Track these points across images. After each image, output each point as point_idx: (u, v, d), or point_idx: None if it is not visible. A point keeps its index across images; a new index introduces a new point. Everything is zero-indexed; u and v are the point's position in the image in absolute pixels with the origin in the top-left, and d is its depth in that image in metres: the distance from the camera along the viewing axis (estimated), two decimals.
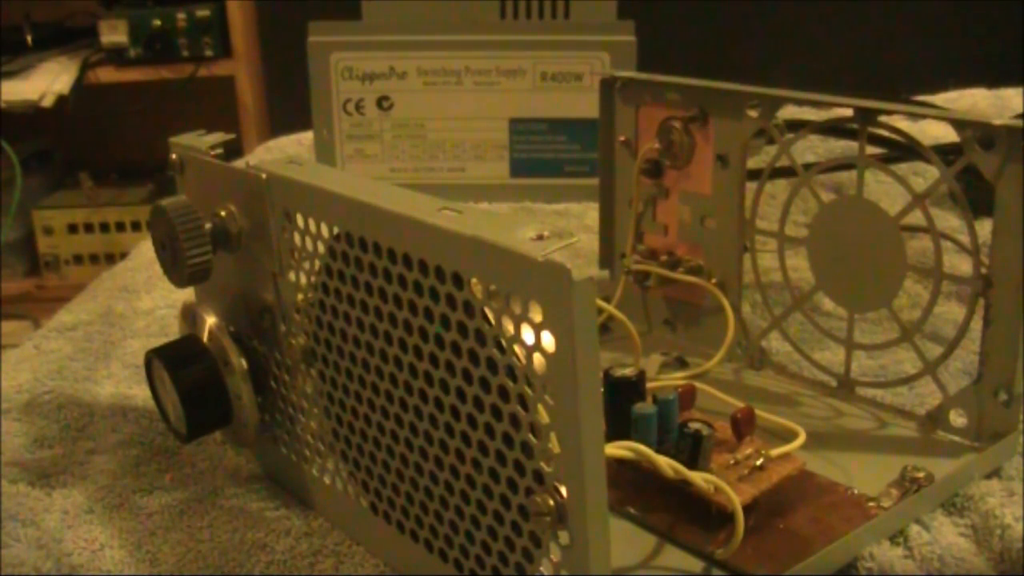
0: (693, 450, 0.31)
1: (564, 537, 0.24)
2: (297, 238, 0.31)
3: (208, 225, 0.33)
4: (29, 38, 1.42)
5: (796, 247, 0.39)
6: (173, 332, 0.42)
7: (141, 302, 0.53)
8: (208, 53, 1.37)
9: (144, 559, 0.33)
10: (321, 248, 0.30)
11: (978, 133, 0.32)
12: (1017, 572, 0.30)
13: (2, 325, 1.35)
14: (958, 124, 0.33)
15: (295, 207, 0.31)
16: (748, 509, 0.30)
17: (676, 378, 0.39)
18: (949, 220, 0.51)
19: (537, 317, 0.23)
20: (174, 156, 0.35)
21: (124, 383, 0.44)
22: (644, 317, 0.45)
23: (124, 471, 0.37)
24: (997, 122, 0.32)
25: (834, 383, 0.39)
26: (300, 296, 0.32)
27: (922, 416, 0.36)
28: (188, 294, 0.38)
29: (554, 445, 0.24)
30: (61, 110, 1.32)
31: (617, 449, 0.29)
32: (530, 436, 0.24)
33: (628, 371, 0.34)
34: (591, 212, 0.59)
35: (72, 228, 1.43)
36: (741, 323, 0.41)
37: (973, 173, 0.33)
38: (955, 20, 1.48)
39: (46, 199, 1.46)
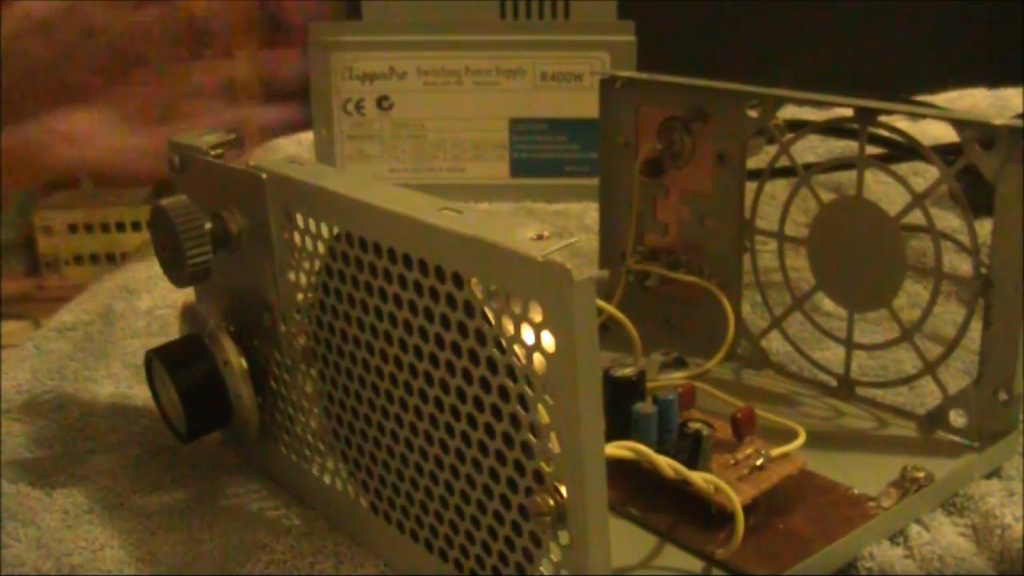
0: (693, 450, 0.31)
1: (564, 537, 0.24)
2: (297, 238, 0.31)
3: (208, 225, 0.33)
4: None
5: (796, 247, 0.39)
6: (173, 332, 0.42)
7: (141, 302, 0.52)
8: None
9: (144, 559, 0.33)
10: (321, 248, 0.30)
11: (978, 133, 0.32)
12: (1017, 572, 0.30)
13: (2, 325, 1.35)
14: (958, 124, 0.33)
15: (295, 207, 0.31)
16: (748, 509, 0.30)
17: (676, 378, 0.39)
18: (949, 220, 0.51)
19: (537, 317, 0.23)
20: (174, 156, 0.35)
21: (124, 383, 0.44)
22: (644, 317, 0.45)
23: (124, 471, 0.37)
24: (997, 122, 0.32)
25: (834, 383, 0.39)
26: (300, 296, 0.32)
27: (922, 416, 0.36)
28: (188, 294, 0.38)
29: (554, 445, 0.24)
30: None
31: (617, 449, 0.29)
32: (530, 436, 0.24)
33: (628, 371, 0.34)
34: (591, 212, 0.59)
35: (72, 228, 1.43)
36: (741, 323, 0.41)
37: (973, 173, 0.33)
38: (955, 20, 1.48)
39: (46, 199, 1.46)
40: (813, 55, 1.48)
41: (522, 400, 0.24)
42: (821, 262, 0.38)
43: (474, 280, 0.25)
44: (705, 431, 0.31)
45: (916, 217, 0.35)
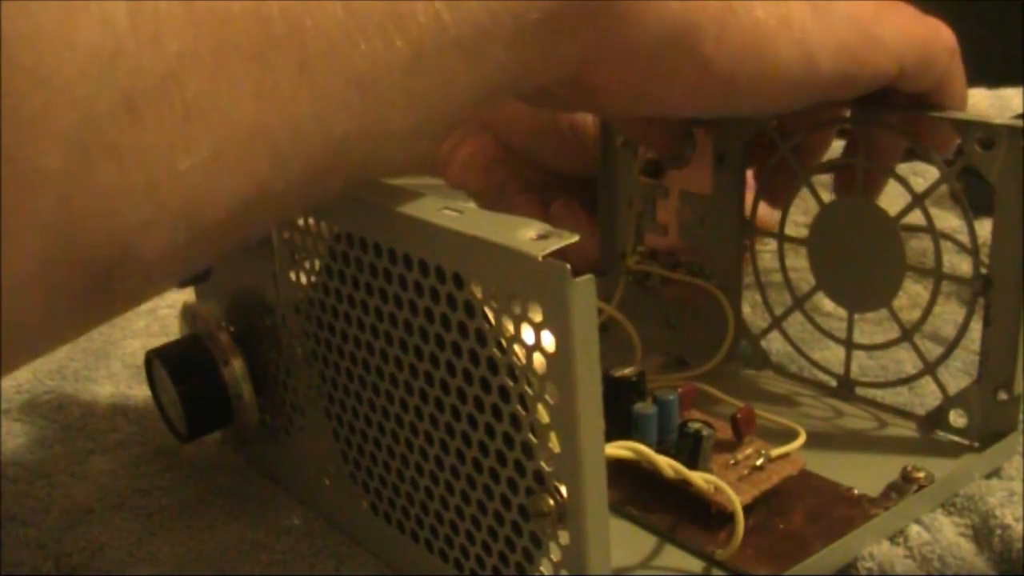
0: (693, 450, 0.31)
1: (564, 537, 0.24)
2: (297, 238, 0.31)
3: None
4: None
5: (796, 247, 0.39)
6: (173, 332, 0.42)
7: None
8: None
9: (144, 559, 0.33)
10: (321, 248, 0.30)
11: (978, 133, 0.32)
12: (1017, 572, 0.30)
13: None
14: (958, 124, 0.33)
15: None
16: (748, 509, 0.30)
17: (676, 378, 0.39)
18: (949, 220, 0.51)
19: (537, 317, 0.23)
20: None
21: (124, 383, 0.44)
22: (644, 317, 0.45)
23: (124, 471, 0.38)
24: (997, 122, 0.32)
25: (834, 383, 0.39)
26: (300, 296, 0.32)
27: (922, 416, 0.36)
28: (188, 294, 0.38)
29: (554, 445, 0.24)
30: None
31: (617, 449, 0.29)
32: (530, 436, 0.24)
33: (628, 371, 0.34)
34: None
35: None
36: (741, 323, 0.41)
37: (973, 173, 0.33)
38: (955, 20, 1.48)
39: None
40: None
41: (522, 400, 0.24)
42: (821, 262, 0.38)
43: (474, 280, 0.25)
44: (705, 431, 0.31)
45: (916, 217, 0.35)
